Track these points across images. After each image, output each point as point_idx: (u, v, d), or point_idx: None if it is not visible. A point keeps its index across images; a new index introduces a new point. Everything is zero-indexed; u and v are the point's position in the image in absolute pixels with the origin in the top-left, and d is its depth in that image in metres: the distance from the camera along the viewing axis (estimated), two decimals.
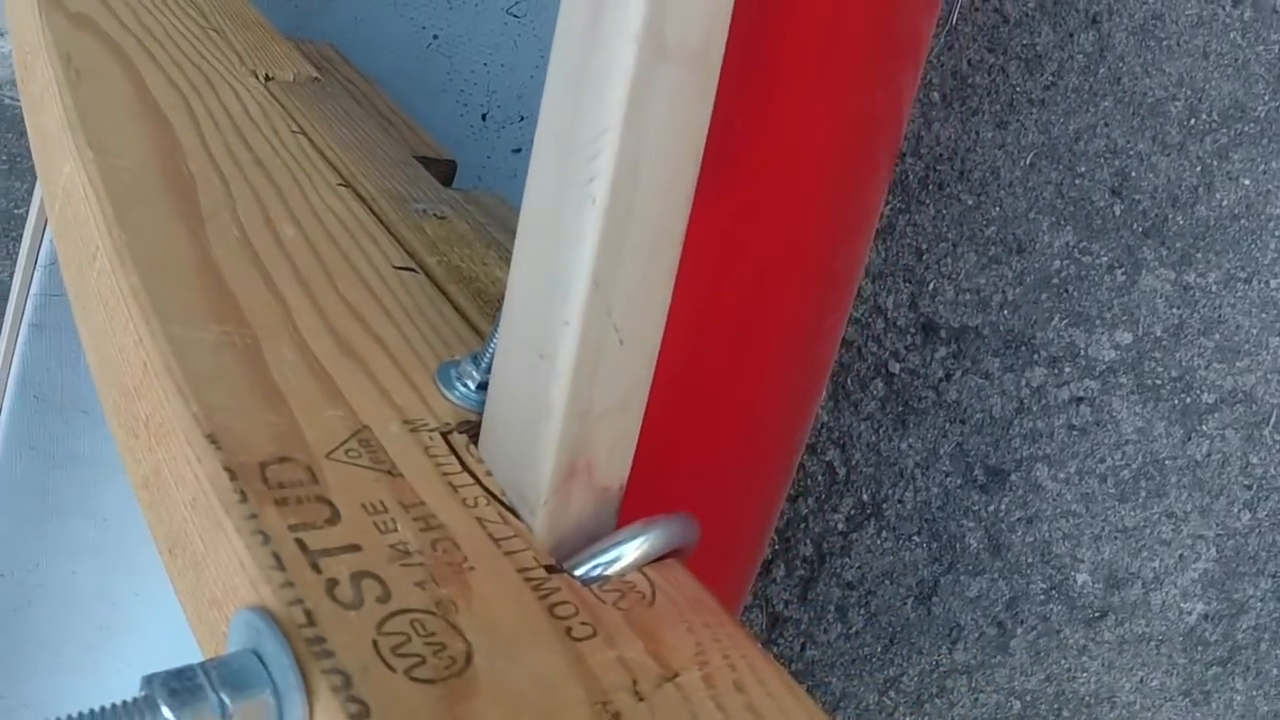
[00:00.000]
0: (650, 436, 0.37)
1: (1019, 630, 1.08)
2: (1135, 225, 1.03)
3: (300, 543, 0.29)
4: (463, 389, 0.39)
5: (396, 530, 0.31)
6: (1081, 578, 1.05)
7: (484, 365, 0.39)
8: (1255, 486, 0.99)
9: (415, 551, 0.31)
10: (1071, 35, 1.03)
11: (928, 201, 1.06)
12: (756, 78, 0.44)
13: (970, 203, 1.06)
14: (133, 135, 0.52)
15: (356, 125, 0.69)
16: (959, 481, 1.07)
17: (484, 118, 1.18)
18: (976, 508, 1.05)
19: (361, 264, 0.47)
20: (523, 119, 1.19)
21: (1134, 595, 1.03)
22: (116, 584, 1.27)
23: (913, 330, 1.11)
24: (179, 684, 0.26)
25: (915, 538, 1.09)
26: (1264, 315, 0.99)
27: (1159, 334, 1.02)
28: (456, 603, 0.29)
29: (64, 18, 0.62)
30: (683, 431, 0.39)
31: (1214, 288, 1.01)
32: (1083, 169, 1.03)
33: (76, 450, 1.17)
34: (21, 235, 1.48)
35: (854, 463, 1.10)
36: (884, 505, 1.09)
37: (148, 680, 0.27)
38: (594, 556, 0.34)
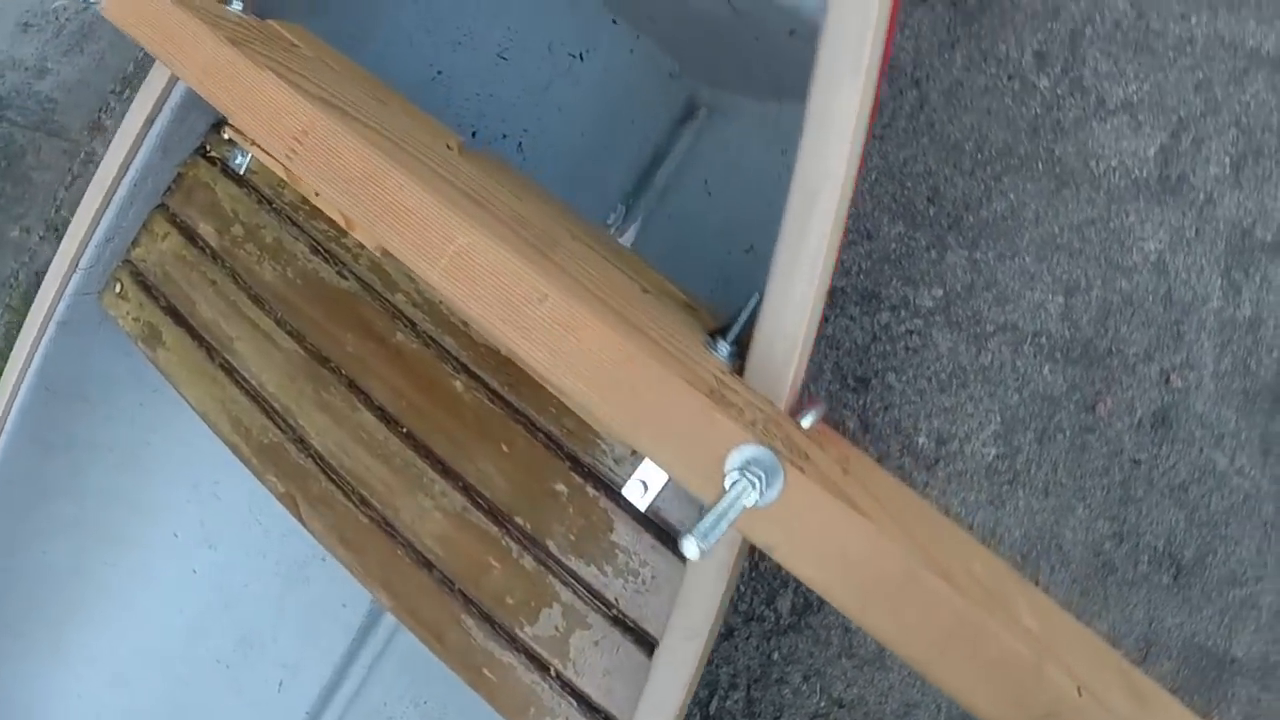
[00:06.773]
0: None
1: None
2: (943, 221, 1.38)
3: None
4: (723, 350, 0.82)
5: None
6: (921, 440, 1.41)
7: (731, 337, 0.83)
8: (1020, 379, 1.37)
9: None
10: (901, 91, 1.42)
11: None
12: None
13: None
14: None
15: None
16: (838, 386, 1.42)
17: (474, 134, 1.48)
18: (850, 402, 1.39)
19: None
20: (504, 136, 1.46)
21: (954, 448, 1.40)
22: (89, 558, 1.30)
23: None
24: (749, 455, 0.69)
25: None
26: (1021, 278, 1.37)
27: (959, 290, 1.39)
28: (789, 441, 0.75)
29: None
30: None
31: (992, 261, 1.38)
32: (908, 184, 1.39)
33: (72, 434, 1.19)
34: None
35: None
36: None
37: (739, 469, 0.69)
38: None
